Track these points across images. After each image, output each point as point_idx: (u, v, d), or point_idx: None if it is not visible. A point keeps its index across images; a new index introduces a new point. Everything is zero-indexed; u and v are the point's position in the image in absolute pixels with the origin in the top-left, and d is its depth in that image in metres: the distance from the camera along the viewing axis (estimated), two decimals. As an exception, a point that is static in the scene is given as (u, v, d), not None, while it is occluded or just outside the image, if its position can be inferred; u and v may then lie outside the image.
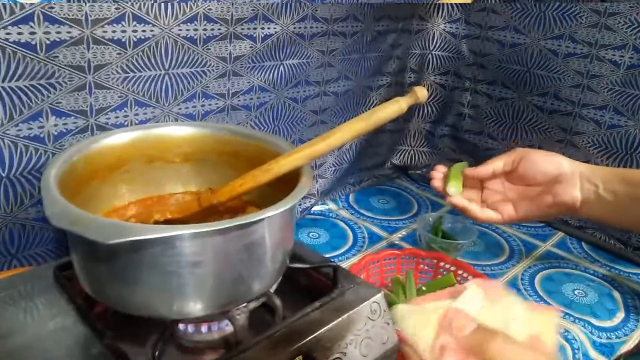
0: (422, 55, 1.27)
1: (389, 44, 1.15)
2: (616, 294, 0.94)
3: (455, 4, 1.21)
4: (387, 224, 1.14)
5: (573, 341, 0.81)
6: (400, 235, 1.10)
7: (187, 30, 0.75)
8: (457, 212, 0.87)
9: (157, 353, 0.51)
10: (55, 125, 0.68)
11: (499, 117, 1.23)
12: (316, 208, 1.17)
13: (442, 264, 0.89)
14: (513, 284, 0.95)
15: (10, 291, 0.64)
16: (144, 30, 0.71)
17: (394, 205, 1.24)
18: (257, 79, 0.89)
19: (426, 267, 0.90)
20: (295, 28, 0.89)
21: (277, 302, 0.60)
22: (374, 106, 1.19)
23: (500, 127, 1.24)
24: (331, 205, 1.20)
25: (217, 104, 0.85)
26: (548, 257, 1.05)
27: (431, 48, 1.26)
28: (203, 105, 0.84)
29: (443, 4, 1.21)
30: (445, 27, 1.23)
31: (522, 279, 0.97)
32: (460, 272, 0.87)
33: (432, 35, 1.24)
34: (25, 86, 0.64)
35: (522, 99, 1.18)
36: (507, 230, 1.15)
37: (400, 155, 1.39)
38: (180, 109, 0.81)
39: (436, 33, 1.24)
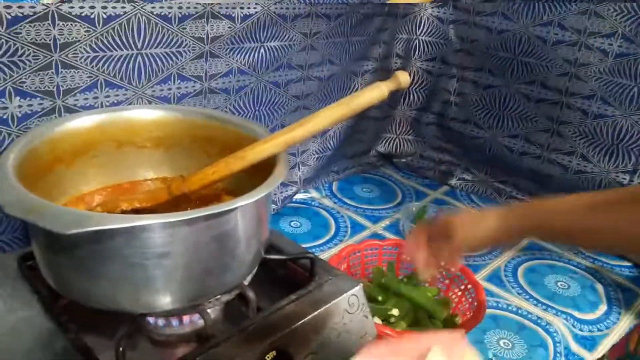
0: (409, 41, 1.24)
1: (374, 28, 1.12)
2: (599, 287, 0.94)
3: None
4: (371, 213, 1.12)
5: (555, 334, 0.80)
6: (383, 225, 1.08)
7: (161, 8, 0.72)
8: (442, 201, 0.84)
9: (121, 348, 0.48)
10: (20, 106, 0.65)
11: (486, 105, 1.21)
12: (298, 196, 1.14)
13: (424, 254, 0.87)
14: (496, 276, 0.94)
15: (-29, 281, 0.61)
16: (114, 7, 0.67)
17: (378, 194, 1.22)
18: (237, 61, 0.86)
19: (408, 258, 0.88)
20: (276, 8, 0.86)
21: (251, 294, 0.58)
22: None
23: (487, 115, 1.22)
24: (314, 194, 1.18)
25: (193, 86, 0.82)
26: (531, 249, 1.04)
27: (418, 33, 1.23)
28: (179, 88, 0.80)
29: (431, -12, 1.18)
30: (433, 11, 1.20)
31: (505, 271, 0.96)
32: (442, 263, 0.85)
33: (419, 19, 1.21)
34: (-16, 64, 0.60)
35: (509, 87, 1.16)
36: (491, 220, 1.13)
37: (386, 143, 1.36)
38: (154, 91, 0.77)
39: (423, 17, 1.21)
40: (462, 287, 0.81)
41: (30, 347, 0.53)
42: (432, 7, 1.20)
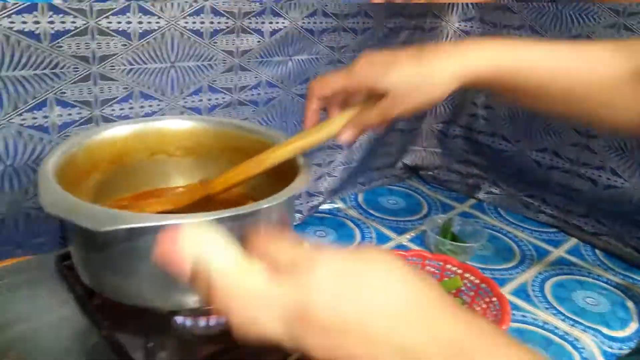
0: (436, 55, 1.24)
1: (400, 42, 1.13)
2: (630, 303, 0.91)
3: (470, 2, 1.19)
4: (396, 224, 1.13)
5: (582, 350, 0.78)
6: (408, 237, 1.08)
7: (194, 23, 0.75)
8: (468, 214, 0.84)
9: (150, 344, 0.50)
10: (60, 115, 0.68)
11: (513, 119, 1.21)
12: (324, 206, 1.16)
13: (448, 266, 0.87)
14: (523, 290, 0.93)
15: (13, 279, 0.64)
16: (149, 22, 0.70)
17: (403, 205, 1.22)
18: (265, 74, 0.89)
19: (432, 269, 0.88)
20: (304, 23, 0.89)
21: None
22: (385, 105, 1.17)
23: (515, 129, 1.21)
24: (340, 204, 1.19)
25: (223, 98, 0.85)
26: (560, 264, 1.02)
27: (445, 47, 1.24)
28: (209, 100, 0.83)
29: (458, 2, 1.19)
30: (460, 25, 1.21)
31: (532, 285, 0.95)
32: (467, 275, 0.85)
33: (445, 33, 1.22)
34: (29, 75, 0.64)
35: (538, 100, 1.15)
36: (518, 235, 1.13)
37: (412, 155, 1.37)
38: (186, 102, 0.80)
39: (450, 31, 1.22)
40: (487, 300, 0.80)
41: (67, 343, 0.56)
42: (459, 21, 1.21)
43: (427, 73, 0.53)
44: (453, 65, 0.53)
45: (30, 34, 0.62)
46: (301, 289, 0.31)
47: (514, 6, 1.12)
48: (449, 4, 1.19)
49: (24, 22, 0.61)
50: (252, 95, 0.89)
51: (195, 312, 0.58)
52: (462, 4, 1.19)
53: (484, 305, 0.81)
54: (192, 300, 0.52)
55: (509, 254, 1.05)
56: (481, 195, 1.28)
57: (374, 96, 0.56)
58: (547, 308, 0.88)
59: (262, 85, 0.89)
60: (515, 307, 0.87)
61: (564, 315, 0.87)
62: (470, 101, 1.27)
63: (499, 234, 1.12)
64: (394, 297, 0.30)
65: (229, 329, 0.33)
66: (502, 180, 1.28)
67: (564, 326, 0.84)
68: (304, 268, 0.31)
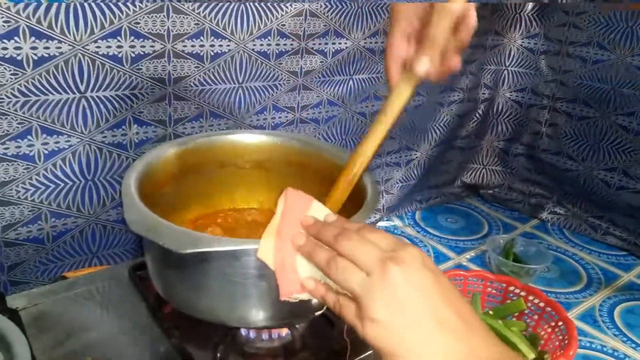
0: (497, 71, 1.23)
1: (462, 60, 1.13)
2: None
3: (534, 18, 1.16)
4: (455, 244, 1.11)
5: (657, 381, 0.75)
6: (468, 257, 1.06)
7: (261, 45, 0.78)
8: (531, 235, 0.82)
9: (218, 355, 0.52)
10: (137, 133, 0.73)
11: (580, 137, 1.17)
12: (381, 224, 1.16)
13: (511, 288, 0.85)
14: (590, 315, 0.89)
15: (89, 287, 0.68)
16: (220, 45, 0.74)
17: (462, 224, 1.21)
18: (327, 93, 0.91)
19: (494, 291, 0.86)
20: (365, 43, 0.90)
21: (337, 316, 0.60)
22: (445, 122, 1.17)
23: (581, 147, 1.17)
24: (397, 222, 1.19)
25: (286, 116, 0.87)
26: (630, 289, 0.98)
27: (507, 64, 1.22)
28: (273, 118, 0.86)
29: (521, 18, 1.17)
30: (523, 42, 1.19)
31: (600, 310, 0.91)
32: (531, 297, 0.82)
33: (508, 50, 1.20)
34: (111, 96, 0.68)
35: (606, 118, 1.11)
36: (585, 257, 1.08)
37: (471, 173, 1.35)
38: (252, 120, 0.83)
39: (513, 48, 1.20)
40: (552, 324, 0.78)
41: (138, 350, 0.59)
42: (522, 38, 1.19)
43: None
44: None
45: (114, 58, 0.66)
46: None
47: (581, 23, 1.10)
48: (512, 21, 1.18)
49: (108, 47, 0.65)
50: (314, 113, 0.91)
51: (257, 328, 0.60)
52: (526, 20, 1.17)
53: (549, 330, 0.78)
54: (258, 319, 0.54)
55: (575, 277, 1.01)
56: (545, 215, 1.24)
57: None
58: (616, 335, 0.84)
59: (324, 104, 0.91)
60: (582, 333, 0.84)
61: (635, 343, 0.83)
62: (533, 118, 1.25)
63: (564, 256, 1.08)
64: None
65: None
66: (567, 201, 1.23)
67: (634, 354, 0.80)
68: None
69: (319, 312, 0.60)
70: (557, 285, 0.97)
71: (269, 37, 0.78)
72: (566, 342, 0.72)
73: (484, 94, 1.25)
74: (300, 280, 0.45)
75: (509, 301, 0.84)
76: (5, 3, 0.57)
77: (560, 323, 0.76)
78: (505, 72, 1.23)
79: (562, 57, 1.15)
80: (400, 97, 0.55)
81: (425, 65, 0.51)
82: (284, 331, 0.61)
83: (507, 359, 0.37)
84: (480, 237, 1.15)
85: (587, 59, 1.10)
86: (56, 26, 0.61)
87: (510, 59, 1.21)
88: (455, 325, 0.37)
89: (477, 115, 1.26)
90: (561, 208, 1.24)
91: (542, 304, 0.81)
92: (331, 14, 0.83)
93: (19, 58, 0.60)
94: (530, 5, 1.16)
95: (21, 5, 0.58)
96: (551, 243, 1.14)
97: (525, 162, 1.30)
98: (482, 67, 1.22)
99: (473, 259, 1.05)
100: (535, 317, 0.81)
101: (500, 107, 1.27)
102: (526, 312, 0.82)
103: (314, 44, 0.84)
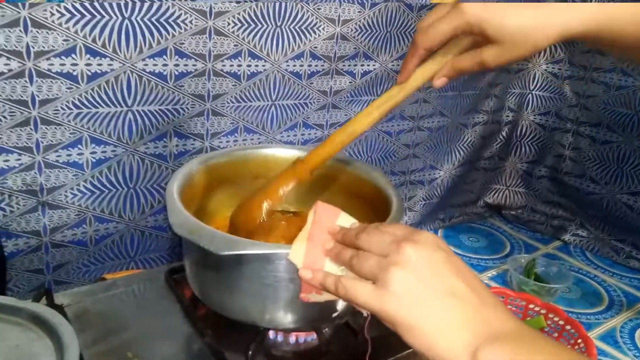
0: (522, 95, 1.26)
1: (486, 82, 1.16)
2: None
3: (559, 44, 1.19)
4: (477, 262, 1.13)
5: (677, 403, 0.75)
6: (489, 275, 1.08)
7: (294, 66, 0.83)
8: (553, 256, 0.84)
9: (250, 353, 0.56)
10: (177, 145, 0.78)
11: (603, 161, 1.18)
12: (404, 240, 1.18)
13: (532, 306, 0.87)
14: (611, 336, 0.90)
15: (127, 289, 0.72)
16: (256, 65, 0.79)
17: (484, 244, 1.22)
18: (354, 112, 0.95)
19: (515, 308, 0.88)
20: (393, 65, 0.94)
21: (360, 321, 0.63)
22: (468, 143, 1.20)
23: (604, 171, 1.18)
24: (420, 239, 1.21)
25: (315, 133, 0.92)
26: (653, 311, 0.98)
27: (531, 88, 1.25)
28: (303, 135, 0.90)
29: (545, 44, 1.20)
30: (547, 67, 1.22)
31: (621, 332, 0.91)
32: (551, 315, 0.84)
33: (532, 75, 1.23)
34: (155, 110, 0.74)
35: (629, 143, 1.12)
36: (607, 280, 1.09)
37: (494, 194, 1.36)
38: (282, 136, 0.88)
39: (537, 73, 1.23)
40: (572, 342, 0.79)
41: (174, 348, 0.62)
42: (547, 63, 1.22)
43: (533, 28, 0.49)
44: (556, 25, 0.50)
45: (159, 75, 0.72)
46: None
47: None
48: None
49: (155, 65, 0.71)
50: (342, 131, 0.95)
51: (287, 330, 0.63)
52: (551, 46, 1.20)
53: (569, 348, 0.79)
54: (287, 321, 0.57)
55: (596, 299, 1.02)
56: (567, 237, 1.25)
57: (477, 40, 0.52)
58: (637, 356, 0.85)
59: (351, 122, 0.95)
60: (602, 353, 0.85)
61: (656, 366, 0.83)
62: (557, 142, 1.26)
63: (586, 277, 1.09)
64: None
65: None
66: (589, 223, 1.24)
67: (656, 377, 0.80)
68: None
69: (343, 319, 0.64)
70: (578, 306, 0.98)
71: (302, 59, 0.83)
72: None
73: (508, 116, 1.27)
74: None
75: (529, 318, 0.85)
76: (58, 19, 0.63)
77: (580, 341, 0.78)
78: (530, 95, 1.26)
79: (586, 83, 1.17)
80: (417, 81, 0.58)
81: (440, 83, 0.56)
82: (310, 336, 0.64)
83: (519, 329, 0.38)
84: (502, 256, 1.16)
85: (610, 84, 1.12)
86: (109, 45, 0.67)
87: (535, 83, 1.24)
88: (468, 297, 0.39)
89: (501, 137, 1.28)
90: (584, 230, 1.24)
91: (562, 322, 0.82)
92: (361, 37, 0.87)
93: (74, 73, 0.66)
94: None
95: (79, 25, 0.64)
96: (573, 264, 1.15)
97: (548, 184, 1.32)
98: (507, 91, 1.25)
99: (494, 277, 1.07)
100: (555, 334, 0.82)
101: (524, 130, 1.29)
102: (546, 329, 0.83)
103: (343, 66, 0.88)
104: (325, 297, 0.49)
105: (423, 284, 0.40)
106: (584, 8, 0.51)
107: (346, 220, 0.52)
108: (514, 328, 0.39)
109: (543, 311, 0.85)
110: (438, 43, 0.53)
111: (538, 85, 1.24)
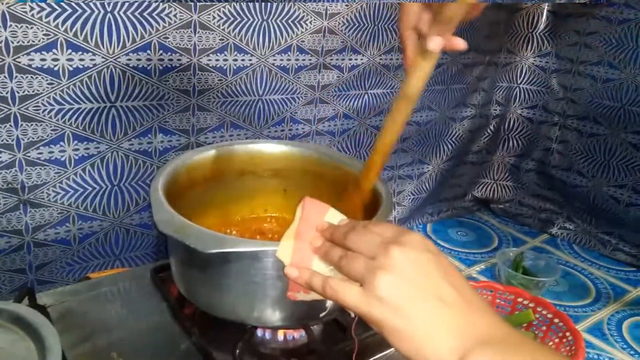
0: (509, 88, 1.26)
1: (474, 77, 1.16)
2: None
3: (546, 37, 1.19)
4: (465, 256, 1.13)
5: (663, 394, 0.76)
6: (478, 269, 1.08)
7: (281, 60, 0.82)
8: (541, 249, 0.84)
9: (237, 352, 0.55)
10: (162, 141, 0.76)
11: (590, 154, 1.19)
12: (393, 235, 1.18)
13: (520, 299, 0.87)
14: (598, 329, 0.91)
15: (112, 288, 0.71)
16: (243, 60, 0.78)
17: (473, 238, 1.22)
18: (342, 106, 0.94)
19: (503, 302, 0.88)
20: (381, 59, 0.93)
21: (349, 319, 0.62)
22: (457, 137, 1.19)
23: (591, 164, 1.19)
24: (408, 234, 1.21)
25: (303, 128, 0.91)
26: (639, 304, 0.99)
27: (519, 81, 1.25)
28: (290, 130, 0.89)
29: (533, 37, 1.20)
30: (535, 60, 1.22)
31: (608, 324, 0.92)
32: (539, 309, 0.84)
33: (520, 68, 1.23)
34: (139, 106, 0.72)
35: (616, 135, 1.13)
36: (594, 272, 1.10)
37: (482, 188, 1.37)
38: (269, 132, 0.87)
39: (524, 66, 1.23)
40: (560, 335, 0.80)
41: (160, 347, 0.61)
42: (534, 57, 1.22)
43: None
44: None
45: (143, 70, 0.70)
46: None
47: (592, 42, 1.12)
48: (524, 40, 1.21)
49: (139, 60, 0.69)
50: (329, 126, 0.94)
51: (274, 328, 0.62)
52: (538, 39, 1.20)
53: (557, 340, 0.80)
54: (275, 318, 0.56)
55: (584, 291, 1.02)
56: (554, 230, 1.25)
57: None
58: (624, 348, 0.86)
59: (339, 117, 0.95)
60: (590, 345, 0.85)
61: (643, 357, 0.84)
62: (544, 135, 1.27)
63: (573, 270, 1.10)
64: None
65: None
66: (577, 216, 1.25)
67: (643, 369, 0.81)
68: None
69: (332, 316, 0.63)
70: (566, 299, 0.99)
71: (289, 53, 0.82)
72: (574, 353, 0.74)
73: (496, 110, 1.27)
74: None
75: (517, 312, 0.86)
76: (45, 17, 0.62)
77: (568, 334, 0.78)
78: (517, 89, 1.26)
79: (573, 76, 1.18)
80: (421, 74, 0.55)
81: (439, 45, 0.52)
82: (298, 334, 0.64)
83: (508, 334, 0.38)
84: (490, 250, 1.17)
85: (597, 77, 1.13)
86: (91, 39, 0.65)
87: (522, 76, 1.24)
88: (455, 302, 0.39)
89: (489, 131, 1.28)
90: (571, 223, 1.25)
91: (550, 315, 0.82)
92: (348, 31, 0.86)
93: (55, 69, 0.65)
94: (542, 25, 1.19)
95: (60, 19, 0.62)
96: (561, 257, 1.16)
97: (535, 177, 1.32)
98: (494, 84, 1.25)
99: (483, 271, 1.07)
100: (544, 328, 0.83)
101: (511, 124, 1.29)
102: (534, 323, 0.84)
103: (331, 60, 0.87)
104: (313, 296, 0.48)
105: (410, 288, 0.39)
106: None
107: (334, 217, 0.52)
108: (503, 333, 0.38)
109: (531, 304, 0.85)
110: (417, 18, 0.53)
111: (525, 78, 1.24)
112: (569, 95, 1.20)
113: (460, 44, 0.53)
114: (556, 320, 0.81)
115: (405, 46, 0.55)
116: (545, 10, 1.17)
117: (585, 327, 0.91)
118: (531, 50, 1.22)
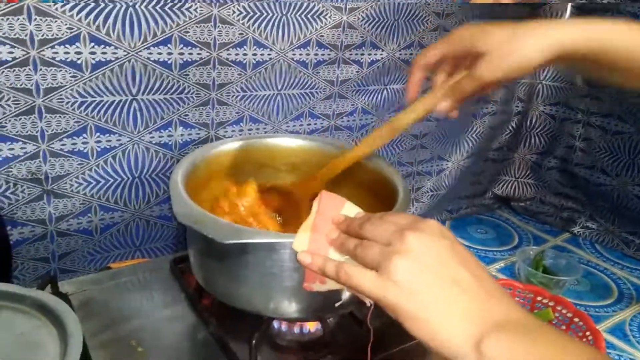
0: (532, 85, 1.24)
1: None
2: None
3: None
4: (484, 254, 1.12)
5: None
6: (497, 267, 1.07)
7: (300, 54, 0.82)
8: (562, 248, 0.83)
9: (254, 342, 0.56)
10: (182, 135, 0.77)
11: (614, 152, 1.17)
12: (411, 232, 1.17)
13: (539, 298, 0.86)
14: (620, 329, 0.89)
15: (132, 278, 0.73)
16: (262, 54, 0.78)
17: (493, 236, 1.21)
18: (361, 101, 0.94)
19: (522, 300, 0.87)
20: (400, 54, 0.93)
21: (365, 311, 0.62)
22: (477, 134, 1.18)
23: (615, 162, 1.16)
24: (427, 231, 1.20)
25: (322, 123, 0.91)
26: (663, 305, 0.97)
27: (541, 78, 1.23)
28: (309, 124, 0.90)
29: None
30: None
31: (630, 325, 0.90)
32: (559, 308, 0.83)
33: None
34: (160, 99, 0.73)
35: (641, 133, 1.11)
36: (616, 272, 1.08)
37: (503, 185, 1.35)
38: (288, 126, 0.87)
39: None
40: (580, 334, 0.78)
41: (178, 337, 0.63)
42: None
43: (523, 39, 0.53)
44: (546, 37, 0.53)
45: (164, 63, 0.71)
46: None
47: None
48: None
49: (160, 53, 0.70)
50: (348, 121, 0.94)
51: (291, 319, 0.63)
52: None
53: (577, 341, 0.78)
54: (291, 310, 0.57)
55: (606, 291, 1.00)
56: (576, 229, 1.23)
57: (472, 61, 0.56)
58: (647, 350, 0.84)
59: (358, 112, 0.95)
60: (611, 346, 0.84)
61: (666, 359, 0.82)
62: (567, 132, 1.25)
63: (595, 270, 1.08)
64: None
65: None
66: (599, 215, 1.23)
67: (666, 371, 0.79)
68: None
69: (348, 309, 0.63)
70: (587, 299, 0.97)
71: (308, 47, 0.82)
72: (593, 352, 0.73)
73: (518, 107, 1.25)
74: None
75: (536, 311, 0.85)
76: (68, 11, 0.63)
77: (588, 334, 0.77)
78: (540, 86, 1.24)
79: (597, 72, 1.15)
80: (412, 115, 0.61)
81: (445, 109, 0.59)
82: (314, 326, 0.64)
83: (525, 320, 0.38)
84: (510, 248, 1.15)
85: (623, 73, 1.10)
86: (113, 33, 0.66)
87: (545, 72, 1.22)
88: (472, 287, 0.39)
89: (510, 128, 1.26)
90: (593, 223, 1.23)
91: (570, 315, 0.81)
92: (368, 25, 0.86)
93: (78, 62, 0.66)
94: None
95: (83, 13, 0.64)
96: (582, 257, 1.14)
97: (558, 175, 1.30)
98: (517, 81, 1.23)
99: (502, 269, 1.06)
100: (563, 327, 0.81)
101: (533, 121, 1.27)
102: (554, 322, 0.82)
103: (350, 55, 0.87)
104: (329, 286, 0.48)
105: (426, 273, 0.39)
106: (585, 23, 0.53)
107: (351, 210, 0.52)
108: (520, 318, 0.38)
109: (551, 303, 0.84)
110: (433, 60, 0.58)
111: (548, 75, 1.22)
112: (593, 91, 1.17)
113: (453, 115, 0.60)
114: (576, 320, 0.79)
115: (410, 81, 0.61)
116: (569, 5, 1.15)
117: (606, 327, 0.89)
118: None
